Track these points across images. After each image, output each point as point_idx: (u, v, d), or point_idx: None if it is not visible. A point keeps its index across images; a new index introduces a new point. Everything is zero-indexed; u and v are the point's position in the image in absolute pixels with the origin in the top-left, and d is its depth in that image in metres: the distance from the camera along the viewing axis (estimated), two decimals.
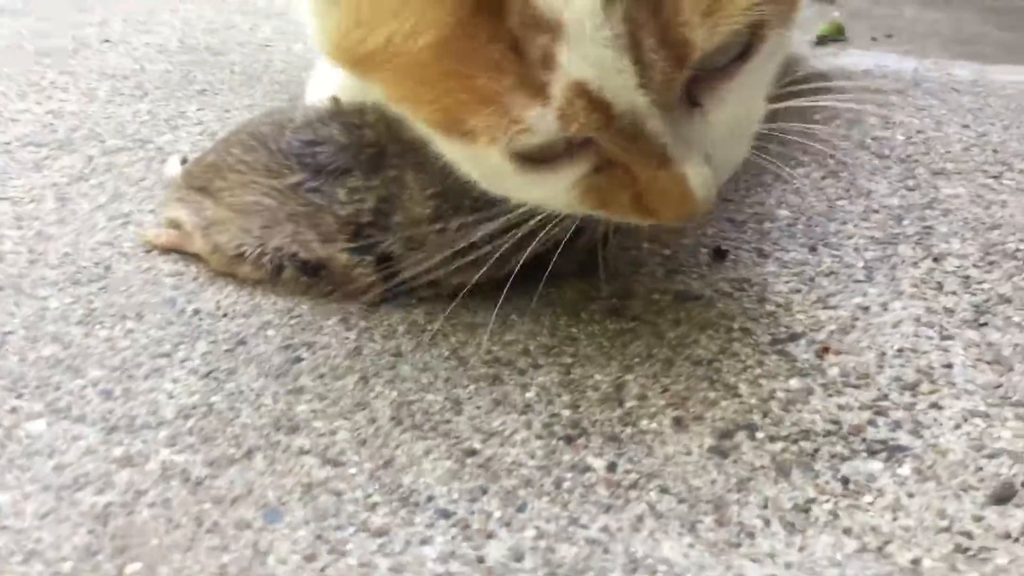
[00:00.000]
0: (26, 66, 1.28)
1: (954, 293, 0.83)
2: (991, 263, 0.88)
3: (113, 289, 0.79)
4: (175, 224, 0.82)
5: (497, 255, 0.73)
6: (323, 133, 0.79)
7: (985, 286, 0.84)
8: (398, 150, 0.76)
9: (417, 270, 0.76)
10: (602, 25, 0.53)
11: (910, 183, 1.03)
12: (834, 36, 2.57)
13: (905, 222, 0.95)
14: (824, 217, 0.95)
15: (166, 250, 0.83)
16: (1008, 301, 0.82)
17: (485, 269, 0.75)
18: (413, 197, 0.75)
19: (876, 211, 0.97)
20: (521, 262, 0.74)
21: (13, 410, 0.65)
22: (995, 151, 1.12)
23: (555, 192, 0.64)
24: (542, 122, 0.56)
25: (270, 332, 0.74)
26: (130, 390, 0.67)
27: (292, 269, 0.77)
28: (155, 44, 1.40)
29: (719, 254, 0.88)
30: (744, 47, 0.59)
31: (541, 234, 0.70)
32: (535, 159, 0.60)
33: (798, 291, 0.83)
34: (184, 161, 0.99)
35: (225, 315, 0.76)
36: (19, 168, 0.98)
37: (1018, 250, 0.90)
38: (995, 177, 1.05)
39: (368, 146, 0.77)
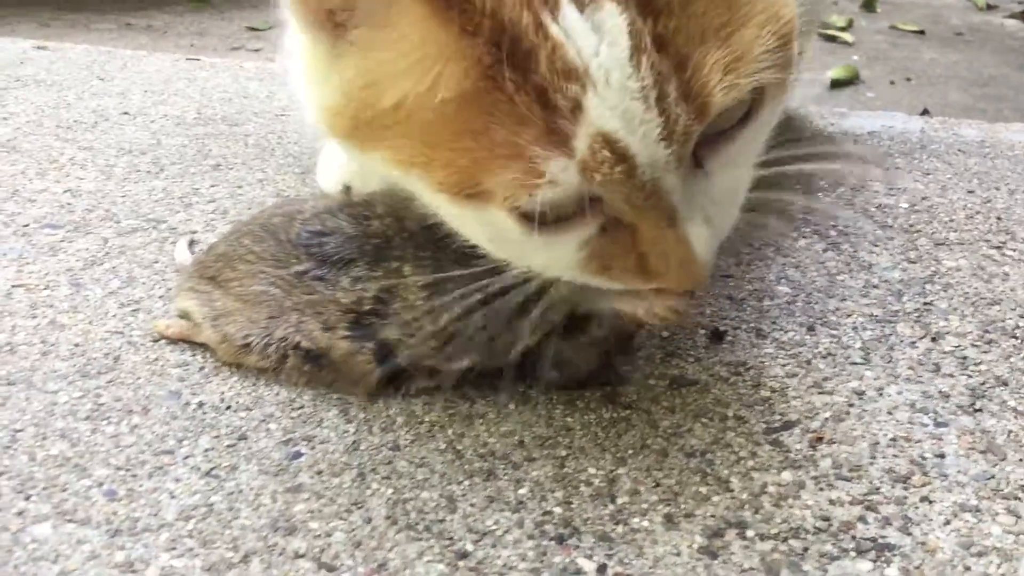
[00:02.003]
0: (46, 142, 1.31)
1: (951, 375, 0.83)
2: (989, 342, 0.88)
3: (121, 382, 0.81)
4: (186, 315, 0.84)
5: (488, 339, 0.75)
6: (331, 224, 0.80)
7: (982, 367, 0.85)
8: (401, 241, 0.78)
9: (413, 357, 0.78)
10: (631, 76, 0.54)
11: (912, 255, 1.04)
12: (849, 80, 2.59)
13: (905, 298, 0.95)
14: (824, 293, 0.96)
15: (175, 340, 0.85)
16: (1004, 384, 0.82)
17: (478, 355, 0.77)
18: (409, 286, 0.77)
19: (876, 286, 0.97)
20: (519, 350, 0.76)
21: (20, 513, 0.67)
22: (999, 218, 1.13)
23: (561, 255, 0.64)
24: (564, 174, 0.56)
25: (271, 426, 0.76)
26: (134, 490, 0.69)
27: (295, 358, 0.79)
28: (172, 116, 1.43)
29: (717, 335, 0.89)
30: (746, 110, 0.61)
31: (533, 316, 0.72)
32: (544, 220, 0.60)
33: (794, 375, 0.84)
34: (192, 243, 1.02)
35: (228, 408, 0.78)
36: (35, 252, 1.01)
37: (1017, 327, 0.91)
38: (998, 247, 1.06)
39: (373, 236, 0.79)
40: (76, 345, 0.86)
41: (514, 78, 0.55)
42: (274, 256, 0.80)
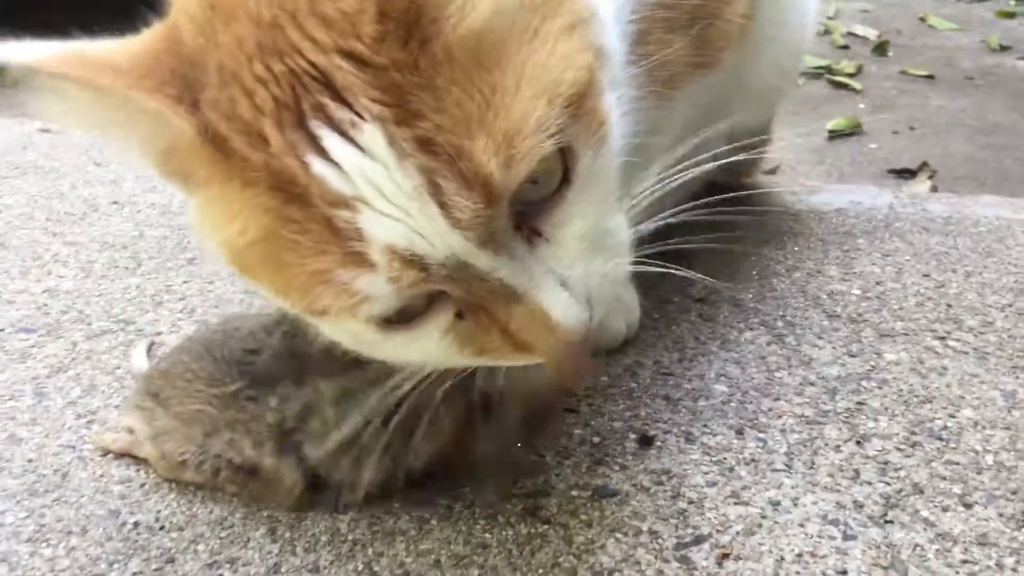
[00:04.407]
0: (34, 236, 1.37)
1: (868, 483, 0.85)
2: (914, 444, 0.90)
3: (65, 500, 0.85)
4: (130, 430, 0.88)
5: (384, 447, 0.78)
6: (264, 342, 0.84)
7: (901, 473, 0.86)
8: (319, 356, 0.82)
9: (330, 470, 0.81)
10: (400, 183, 0.58)
11: (854, 347, 1.06)
12: (849, 130, 2.59)
13: (839, 396, 0.97)
14: (760, 392, 0.98)
15: (118, 455, 0.89)
16: (920, 491, 0.84)
17: (391, 461, 0.80)
18: (323, 399, 0.80)
19: (813, 383, 0.99)
20: (422, 457, 0.80)
21: None
22: (949, 305, 1.14)
23: (429, 347, 0.67)
24: (375, 288, 0.60)
25: (199, 547, 0.79)
26: None
27: (228, 473, 0.83)
28: (159, 204, 1.48)
29: (646, 440, 0.92)
30: (563, 172, 0.63)
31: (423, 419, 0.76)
32: (396, 321, 0.64)
33: (715, 483, 0.86)
34: (152, 346, 1.06)
35: (162, 528, 0.82)
36: (6, 359, 1.06)
37: (944, 428, 0.92)
38: (942, 338, 1.07)
39: (296, 354, 0.82)
40: (29, 461, 0.90)
41: (300, 215, 0.60)
42: (210, 375, 0.84)
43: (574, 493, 0.85)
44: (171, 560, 0.78)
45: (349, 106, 0.58)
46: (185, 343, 0.89)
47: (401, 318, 0.64)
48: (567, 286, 0.65)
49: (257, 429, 0.81)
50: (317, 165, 0.58)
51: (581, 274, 0.66)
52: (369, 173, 0.58)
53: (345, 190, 0.58)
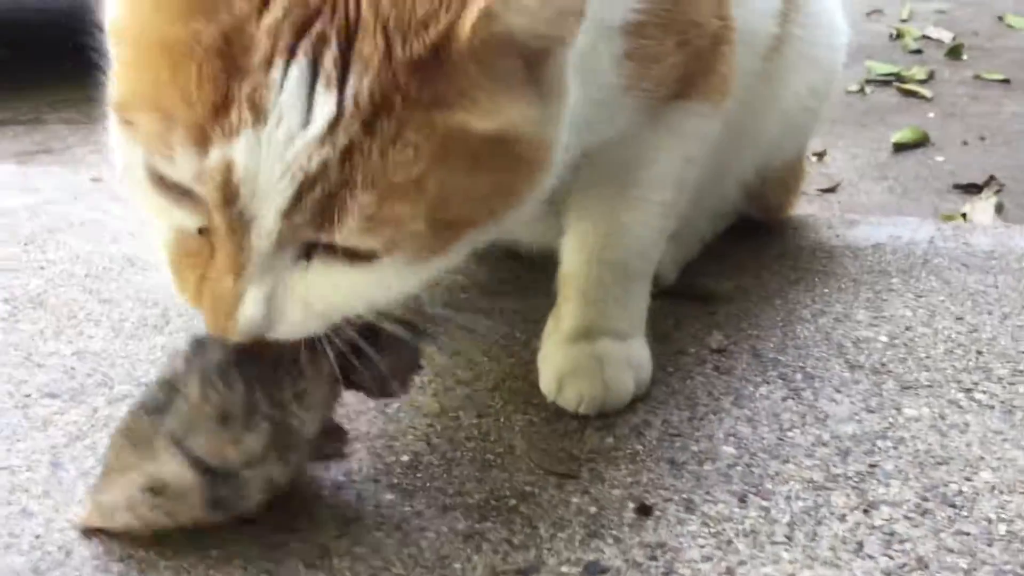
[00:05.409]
0: (72, 295, 1.40)
1: (871, 556, 0.82)
2: (924, 512, 0.86)
3: None
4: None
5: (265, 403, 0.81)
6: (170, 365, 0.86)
7: (907, 546, 0.83)
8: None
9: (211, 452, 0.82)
10: (297, 141, 0.62)
11: (873, 402, 1.02)
12: (915, 143, 2.52)
13: (850, 459, 0.94)
14: (768, 454, 0.95)
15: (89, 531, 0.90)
16: (925, 567, 0.80)
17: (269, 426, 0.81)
18: (184, 381, 0.83)
19: (825, 443, 0.96)
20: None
21: None
22: (979, 352, 1.10)
23: (160, 227, 0.71)
24: (187, 165, 0.63)
25: None
26: None
27: (145, 498, 0.85)
28: None
29: (644, 510, 0.89)
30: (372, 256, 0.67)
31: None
32: (165, 186, 0.67)
33: (710, 559, 0.83)
34: None
35: None
36: (29, 427, 1.08)
37: (959, 493, 0.88)
38: (967, 390, 1.03)
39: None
40: (37, 537, 0.92)
41: (215, 64, 0.62)
42: (127, 422, 0.88)
43: (564, 569, 0.83)
44: None
45: (344, 59, 0.62)
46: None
47: (170, 188, 0.66)
48: (271, 303, 0.68)
49: (156, 446, 0.83)
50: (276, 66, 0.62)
51: (286, 308, 0.69)
52: (290, 103, 0.61)
53: (266, 99, 0.61)
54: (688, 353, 1.13)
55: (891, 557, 0.82)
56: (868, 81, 3.02)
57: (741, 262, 1.36)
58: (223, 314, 0.68)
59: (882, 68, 3.07)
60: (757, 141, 1.26)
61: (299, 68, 0.61)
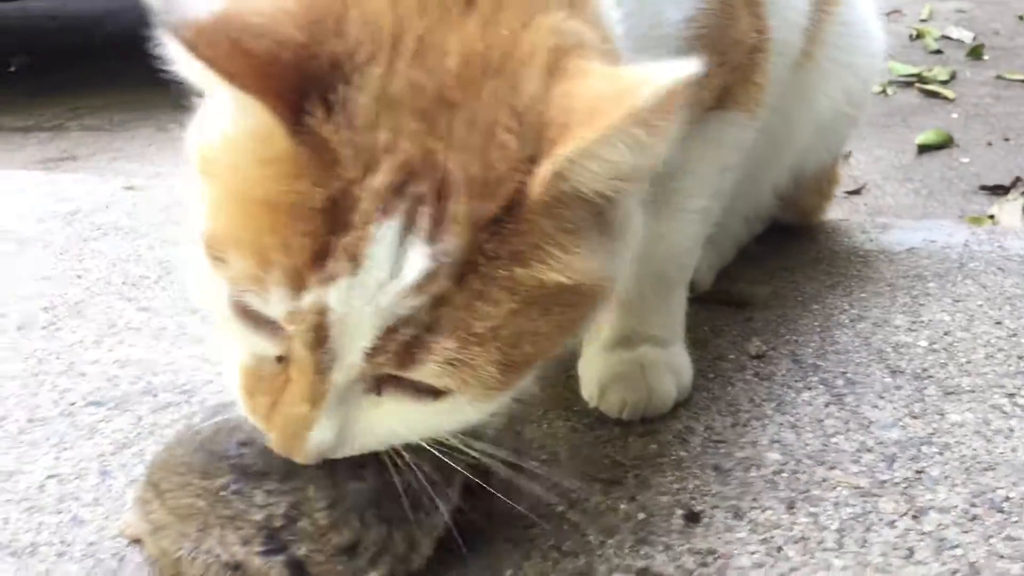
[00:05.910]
0: (110, 302, 1.41)
1: (923, 562, 0.82)
2: (973, 518, 0.87)
3: None
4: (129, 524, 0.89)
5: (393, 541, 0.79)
6: (254, 433, 0.82)
7: (958, 552, 0.83)
8: None
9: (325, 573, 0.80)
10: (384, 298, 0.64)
11: (916, 408, 1.02)
12: (939, 144, 2.51)
13: (896, 464, 0.94)
14: (814, 460, 0.95)
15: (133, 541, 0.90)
16: (977, 573, 0.81)
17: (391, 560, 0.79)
18: (312, 502, 0.79)
19: (871, 449, 0.96)
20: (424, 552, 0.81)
21: None
22: (1020, 357, 1.10)
23: (241, 355, 0.72)
24: (280, 305, 0.64)
25: None
26: None
27: (217, 569, 0.82)
28: None
29: (693, 517, 0.90)
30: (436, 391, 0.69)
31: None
32: (247, 317, 0.68)
33: (761, 565, 0.83)
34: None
35: None
36: (75, 435, 1.09)
37: (1007, 499, 0.88)
38: (1011, 395, 1.03)
39: None
40: (90, 544, 0.93)
41: (312, 188, 0.63)
42: (203, 468, 0.82)
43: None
44: None
45: (438, 216, 0.63)
46: (183, 432, 0.89)
47: (254, 317, 0.67)
48: (341, 434, 0.71)
49: (244, 526, 0.80)
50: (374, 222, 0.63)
51: (355, 439, 0.72)
52: (385, 255, 0.63)
53: (363, 250, 0.63)
54: (727, 359, 1.14)
55: (943, 563, 0.82)
56: (890, 82, 3.01)
57: (775, 267, 1.37)
58: (294, 437, 0.70)
59: (904, 69, 3.06)
60: (792, 147, 1.26)
61: (396, 223, 0.63)
